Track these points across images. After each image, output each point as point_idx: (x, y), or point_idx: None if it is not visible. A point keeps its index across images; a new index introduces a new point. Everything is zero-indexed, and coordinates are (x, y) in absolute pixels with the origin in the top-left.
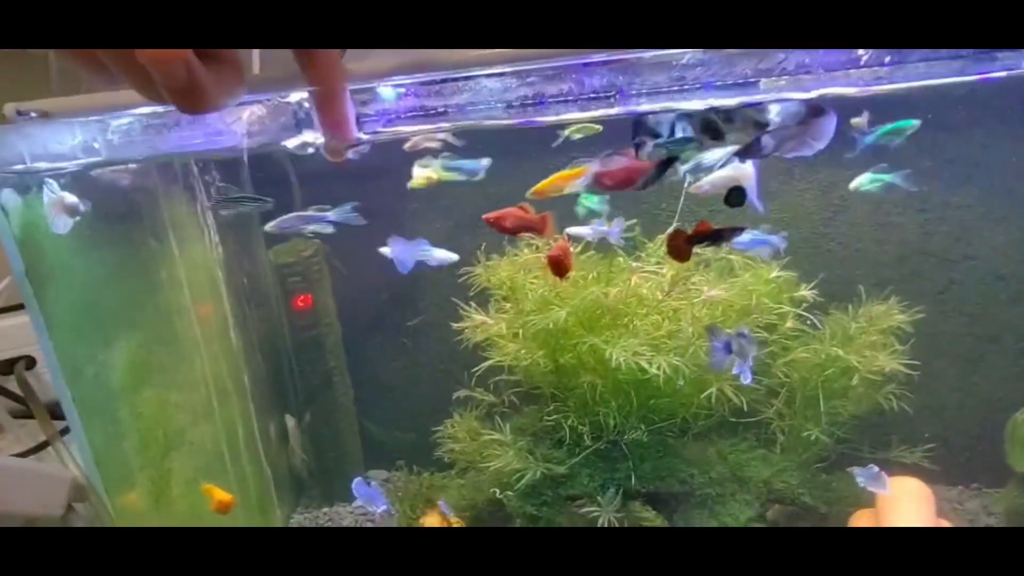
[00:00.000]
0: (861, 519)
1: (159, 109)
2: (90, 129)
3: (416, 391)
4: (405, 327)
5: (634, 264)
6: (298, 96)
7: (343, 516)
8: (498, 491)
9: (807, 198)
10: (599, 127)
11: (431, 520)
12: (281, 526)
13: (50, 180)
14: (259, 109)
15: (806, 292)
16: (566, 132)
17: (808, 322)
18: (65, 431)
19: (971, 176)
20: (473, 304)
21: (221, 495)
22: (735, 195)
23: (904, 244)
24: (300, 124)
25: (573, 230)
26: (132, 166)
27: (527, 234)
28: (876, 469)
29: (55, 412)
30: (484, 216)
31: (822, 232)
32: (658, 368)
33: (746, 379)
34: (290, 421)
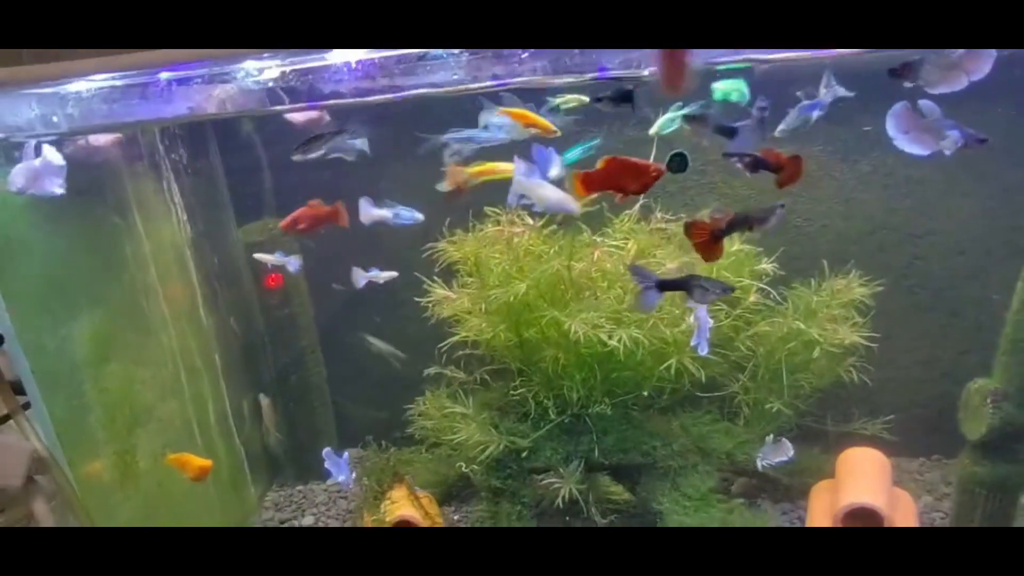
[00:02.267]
0: (821, 490)
1: (118, 82)
2: (48, 101)
3: (389, 368)
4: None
5: (598, 239)
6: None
7: (317, 493)
8: (464, 465)
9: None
10: (586, 98)
11: (398, 494)
12: (267, 524)
13: (41, 143)
14: (231, 87)
15: (767, 266)
16: (555, 102)
17: (771, 296)
18: (28, 406)
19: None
20: (438, 280)
21: (199, 461)
22: (677, 160)
23: (869, 219)
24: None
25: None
26: (92, 142)
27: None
28: (771, 439)
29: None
30: (280, 225)
31: (789, 208)
32: (619, 341)
33: (702, 351)
34: (264, 400)
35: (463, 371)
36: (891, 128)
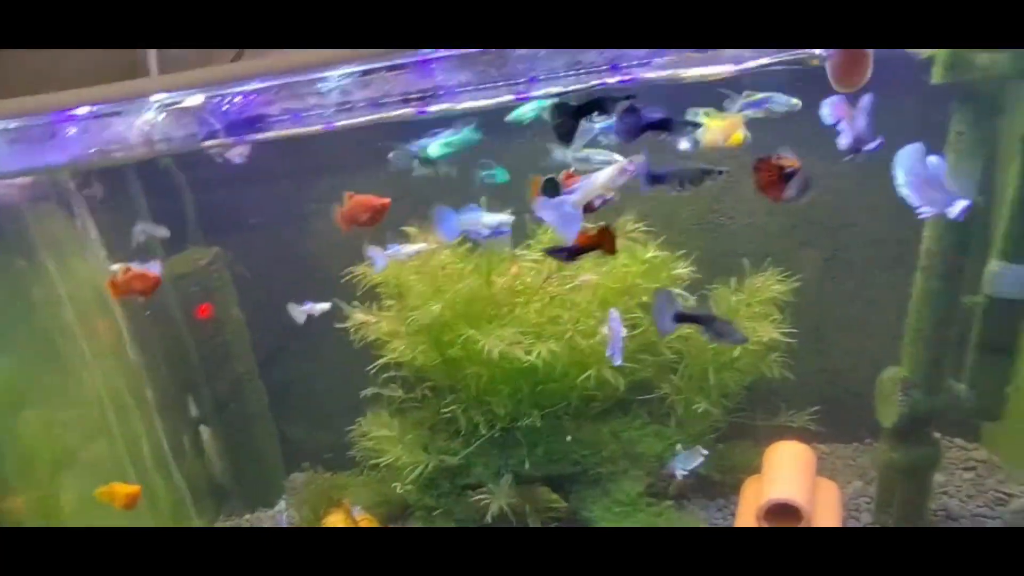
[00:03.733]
0: (750, 485)
1: (23, 123)
2: None
3: (331, 391)
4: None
5: (518, 252)
6: (198, 100)
7: (264, 521)
8: (398, 486)
9: None
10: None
11: (335, 519)
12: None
13: None
14: (153, 115)
15: (683, 270)
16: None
17: (696, 296)
18: None
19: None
20: (358, 304)
21: (126, 489)
22: (549, 185)
23: (791, 214)
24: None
25: None
26: None
27: None
28: (681, 450)
29: None
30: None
31: (713, 208)
32: (537, 356)
33: (616, 361)
34: (205, 430)
35: (403, 390)
36: (899, 168)
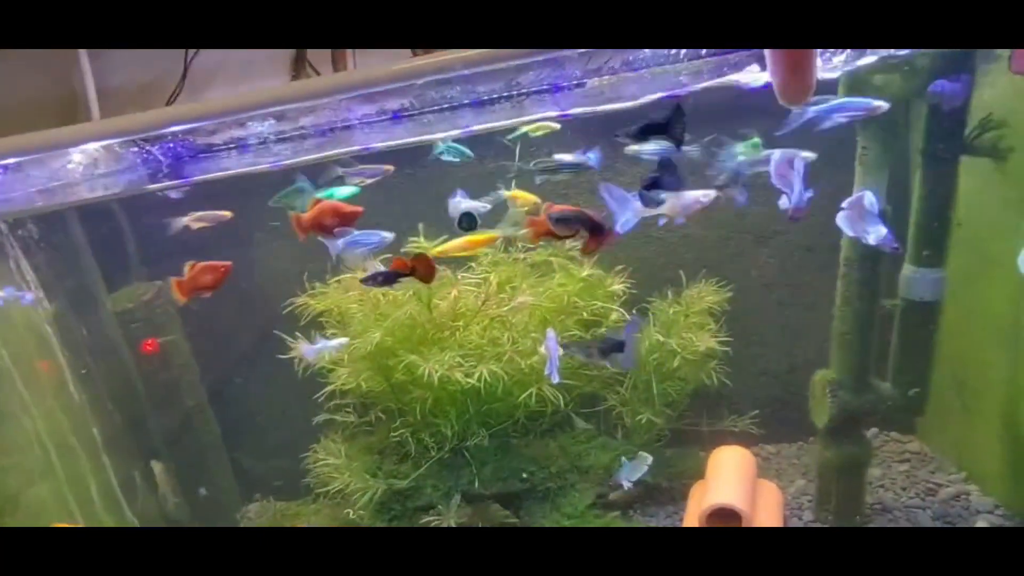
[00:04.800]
0: (697, 490)
1: None
2: None
3: (284, 419)
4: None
5: (460, 275)
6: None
7: None
8: (351, 512)
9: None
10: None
11: None
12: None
13: None
14: (90, 155)
15: (619, 286)
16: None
17: (634, 311)
18: None
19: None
20: (300, 335)
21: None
22: (466, 220)
23: (725, 226)
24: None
25: None
26: None
27: None
28: (626, 461)
29: None
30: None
31: (648, 222)
32: (478, 378)
33: (554, 379)
34: (157, 466)
35: (356, 414)
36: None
